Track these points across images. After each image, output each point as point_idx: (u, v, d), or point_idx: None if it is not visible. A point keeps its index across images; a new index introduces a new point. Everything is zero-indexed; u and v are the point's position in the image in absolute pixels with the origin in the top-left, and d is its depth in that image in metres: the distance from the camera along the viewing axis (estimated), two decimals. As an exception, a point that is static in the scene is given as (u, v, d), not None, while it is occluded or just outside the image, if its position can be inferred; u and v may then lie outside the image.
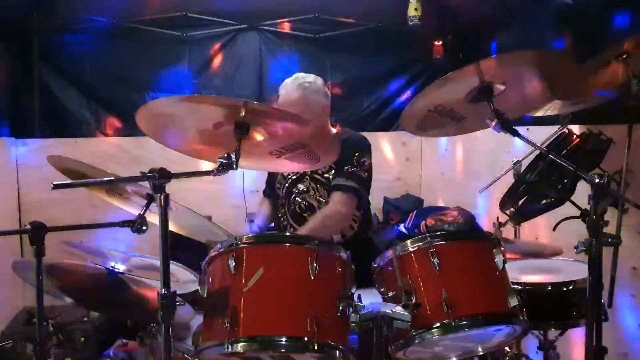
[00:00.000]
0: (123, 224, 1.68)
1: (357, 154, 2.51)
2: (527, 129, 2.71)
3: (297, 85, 2.50)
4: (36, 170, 3.74)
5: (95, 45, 4.14)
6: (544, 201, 2.08)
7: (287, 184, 2.64)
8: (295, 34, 4.39)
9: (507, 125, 1.74)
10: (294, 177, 2.63)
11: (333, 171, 2.53)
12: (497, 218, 2.33)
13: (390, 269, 1.75)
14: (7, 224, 3.58)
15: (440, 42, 4.35)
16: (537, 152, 2.01)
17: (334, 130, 2.66)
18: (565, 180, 1.98)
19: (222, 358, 1.56)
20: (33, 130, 4.05)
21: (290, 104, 2.46)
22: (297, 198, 2.60)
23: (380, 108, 4.56)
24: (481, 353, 1.82)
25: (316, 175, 2.57)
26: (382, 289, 1.79)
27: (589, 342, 1.63)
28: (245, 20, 4.33)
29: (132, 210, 1.90)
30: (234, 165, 1.59)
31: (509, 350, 2.24)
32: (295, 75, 2.57)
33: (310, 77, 2.56)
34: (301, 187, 2.59)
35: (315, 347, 1.50)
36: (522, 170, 2.24)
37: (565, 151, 2.10)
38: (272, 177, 2.80)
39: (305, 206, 2.58)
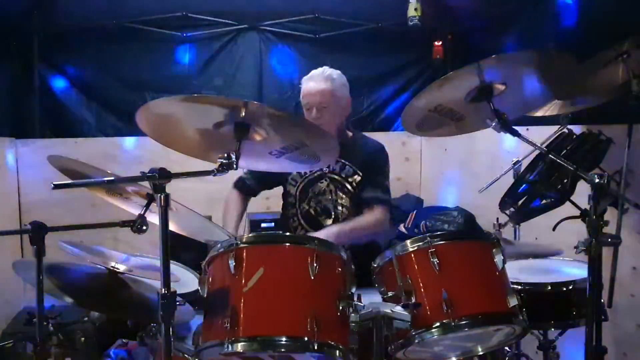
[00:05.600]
0: (123, 224, 1.68)
1: (387, 167, 2.60)
2: (527, 129, 2.70)
3: (325, 76, 2.51)
4: (36, 170, 3.73)
5: (95, 45, 4.14)
6: (544, 201, 2.08)
7: (303, 183, 2.60)
8: (295, 34, 4.39)
9: (507, 125, 1.74)
10: (311, 177, 2.59)
11: (357, 177, 2.53)
12: (497, 218, 2.33)
13: (390, 269, 1.75)
14: (7, 224, 3.58)
15: (440, 42, 4.35)
16: (537, 152, 2.01)
17: (349, 134, 2.65)
18: (565, 180, 1.98)
19: (222, 358, 1.56)
20: (33, 131, 4.04)
21: (318, 94, 2.47)
22: (312, 200, 2.58)
23: (380, 108, 4.56)
24: (481, 353, 1.81)
25: (336, 177, 2.56)
26: (382, 289, 1.79)
27: (589, 342, 1.63)
28: (245, 20, 4.32)
29: (132, 210, 1.90)
30: (234, 165, 1.59)
31: (509, 350, 2.24)
32: (322, 67, 2.57)
33: (337, 71, 2.58)
34: (318, 188, 2.57)
35: (315, 347, 1.50)
36: (522, 170, 2.25)
37: (565, 151, 2.10)
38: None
39: (321, 209, 2.57)
